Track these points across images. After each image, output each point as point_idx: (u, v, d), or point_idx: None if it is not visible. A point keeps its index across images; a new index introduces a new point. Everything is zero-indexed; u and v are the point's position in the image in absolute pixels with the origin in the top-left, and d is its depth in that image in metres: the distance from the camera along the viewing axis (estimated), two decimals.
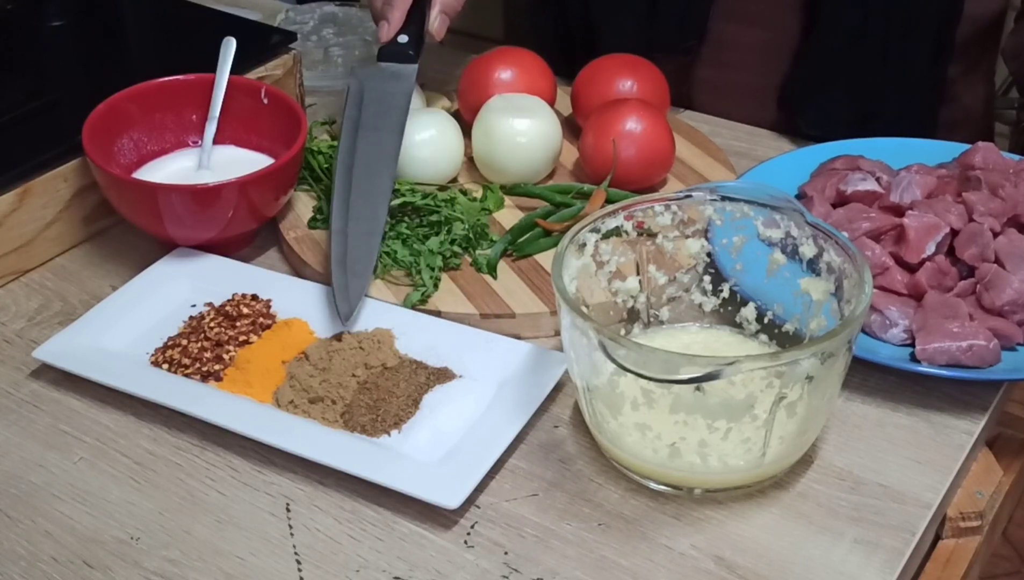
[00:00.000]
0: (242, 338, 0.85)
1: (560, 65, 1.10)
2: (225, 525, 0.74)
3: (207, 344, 0.84)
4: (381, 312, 0.87)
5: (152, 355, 0.85)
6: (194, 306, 0.89)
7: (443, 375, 0.82)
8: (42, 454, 0.79)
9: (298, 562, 0.71)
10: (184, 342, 0.85)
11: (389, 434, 0.78)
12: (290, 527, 0.73)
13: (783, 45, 1.12)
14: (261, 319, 0.87)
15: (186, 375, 0.83)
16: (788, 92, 1.13)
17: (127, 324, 0.87)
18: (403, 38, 1.01)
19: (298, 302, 0.89)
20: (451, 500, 0.72)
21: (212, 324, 0.86)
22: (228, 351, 0.84)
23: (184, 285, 0.91)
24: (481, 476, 0.74)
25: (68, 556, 0.72)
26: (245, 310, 0.87)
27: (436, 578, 0.70)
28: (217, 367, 0.83)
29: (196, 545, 0.72)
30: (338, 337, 0.84)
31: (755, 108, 1.14)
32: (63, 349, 0.84)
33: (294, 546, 0.72)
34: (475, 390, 0.81)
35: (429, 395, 0.80)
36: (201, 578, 0.71)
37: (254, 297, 0.89)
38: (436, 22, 1.01)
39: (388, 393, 0.80)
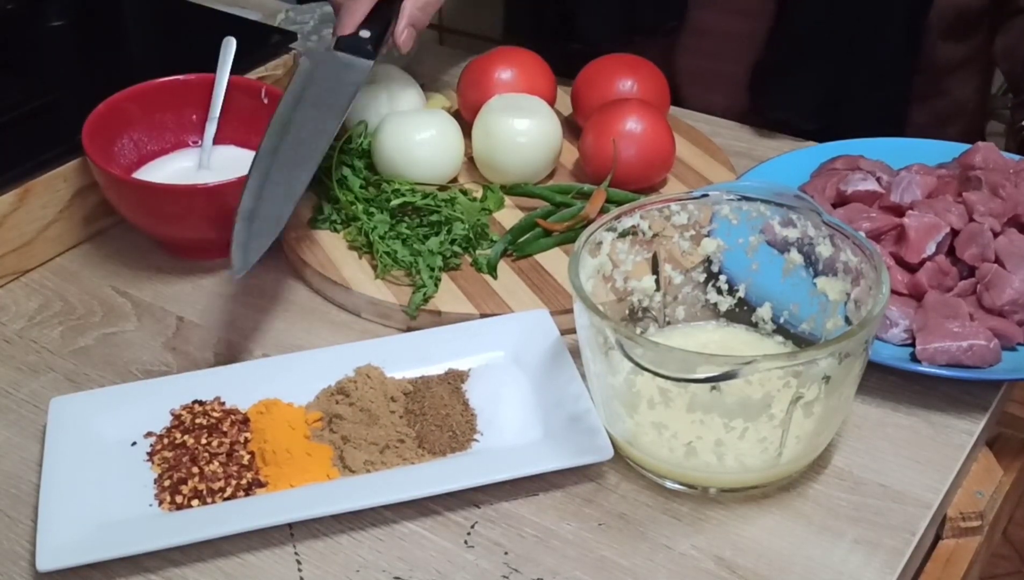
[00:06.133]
0: (243, 437, 0.77)
1: (560, 65, 1.10)
2: None
3: (218, 460, 0.75)
4: (355, 353, 0.82)
5: (162, 503, 0.74)
6: (135, 444, 0.77)
7: (459, 375, 0.82)
8: (42, 454, 0.79)
9: (298, 562, 0.71)
10: (195, 469, 0.74)
11: (477, 440, 0.78)
12: (290, 527, 0.73)
13: (757, 32, 1.12)
14: (231, 417, 0.78)
15: (226, 499, 0.73)
16: (757, 76, 1.13)
17: (97, 496, 0.74)
18: (365, 33, 0.97)
19: (237, 387, 0.80)
20: (606, 450, 0.73)
21: (202, 441, 0.76)
22: (242, 456, 0.76)
23: (109, 424, 0.78)
24: (600, 422, 0.75)
25: None
26: (214, 413, 0.78)
27: (436, 578, 0.70)
28: (249, 474, 0.75)
29: (196, 544, 0.72)
30: (343, 390, 0.79)
31: (732, 96, 1.14)
32: (63, 545, 0.69)
33: (294, 546, 0.72)
34: (500, 369, 0.81)
35: (470, 394, 0.80)
36: (201, 578, 0.71)
37: (198, 402, 0.79)
38: (404, 35, 0.98)
39: (441, 406, 0.78)
